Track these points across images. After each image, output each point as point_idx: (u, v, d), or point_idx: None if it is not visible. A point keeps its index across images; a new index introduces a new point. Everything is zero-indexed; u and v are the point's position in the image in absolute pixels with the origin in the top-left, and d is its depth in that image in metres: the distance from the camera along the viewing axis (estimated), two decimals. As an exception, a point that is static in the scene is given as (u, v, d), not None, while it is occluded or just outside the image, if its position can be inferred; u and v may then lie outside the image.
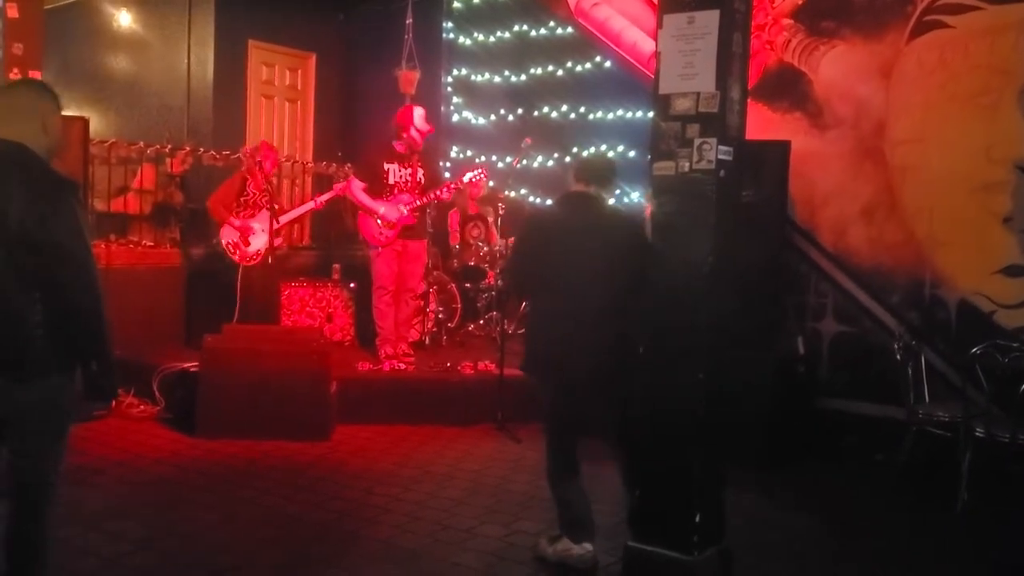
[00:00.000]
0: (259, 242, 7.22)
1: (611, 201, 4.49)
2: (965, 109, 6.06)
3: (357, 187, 7.10)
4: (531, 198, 8.99)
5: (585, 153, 8.47)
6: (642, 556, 3.83)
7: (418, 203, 7.01)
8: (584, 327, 3.92)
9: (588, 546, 4.05)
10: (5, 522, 2.96)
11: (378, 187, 7.04)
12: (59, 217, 2.83)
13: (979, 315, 5.99)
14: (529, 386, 6.57)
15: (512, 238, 8.33)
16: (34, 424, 2.92)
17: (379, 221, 6.97)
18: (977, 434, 5.13)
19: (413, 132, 6.96)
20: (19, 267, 2.80)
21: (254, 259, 7.23)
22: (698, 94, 3.70)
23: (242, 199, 7.31)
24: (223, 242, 7.27)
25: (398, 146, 7.04)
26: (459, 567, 4.09)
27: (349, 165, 9.26)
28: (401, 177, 7.04)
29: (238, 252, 7.22)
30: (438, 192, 7.06)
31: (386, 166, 7.05)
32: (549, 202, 4.55)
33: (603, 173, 4.21)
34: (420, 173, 7.07)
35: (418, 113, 7.02)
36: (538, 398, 4.24)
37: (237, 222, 7.22)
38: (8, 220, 2.77)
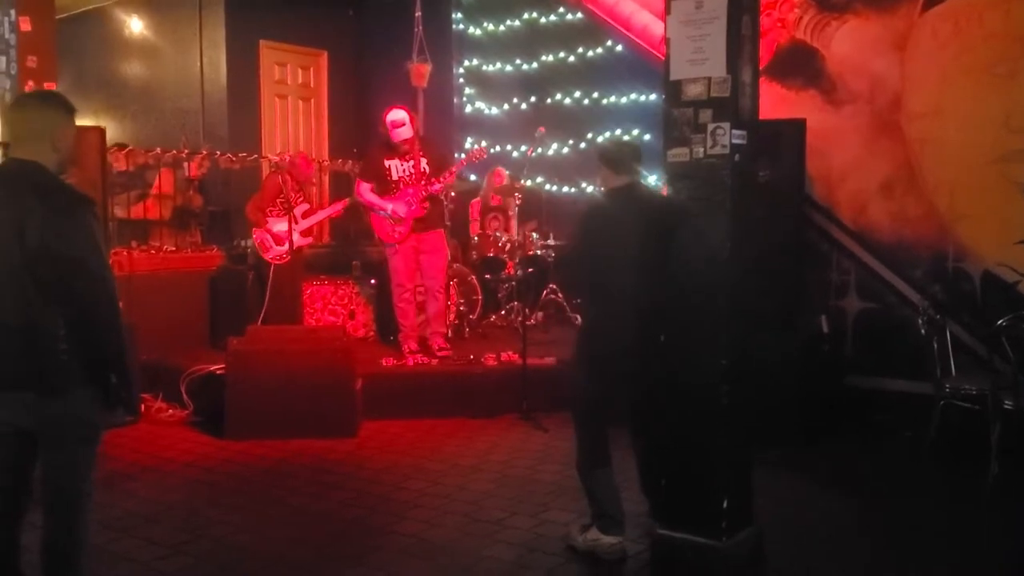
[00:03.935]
0: (293, 239, 7.35)
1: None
2: (982, 79, 5.99)
3: (364, 189, 7.11)
4: (547, 186, 8.98)
5: (600, 139, 8.46)
6: (671, 543, 3.84)
7: (424, 193, 6.95)
8: (640, 320, 3.92)
9: (617, 537, 4.06)
10: (40, 531, 3.01)
11: (383, 185, 7.02)
12: (76, 233, 2.86)
13: (1004, 286, 5.93)
14: (555, 375, 6.66)
15: (529, 228, 8.39)
16: (65, 436, 2.96)
17: (390, 219, 6.97)
18: (1006, 406, 5.09)
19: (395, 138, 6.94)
20: (40, 283, 2.84)
21: (284, 258, 7.33)
22: (709, 79, 3.68)
23: (279, 200, 7.40)
24: (255, 240, 7.41)
25: (399, 144, 6.97)
26: (489, 559, 4.11)
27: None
28: (404, 171, 7.00)
29: (270, 251, 7.35)
30: (442, 178, 6.97)
31: (387, 163, 7.03)
32: (595, 196, 4.37)
33: (637, 157, 4.14)
34: (423, 163, 7.01)
35: (390, 118, 6.92)
36: (572, 388, 4.21)
37: (272, 224, 7.35)
38: (27, 237, 2.81)
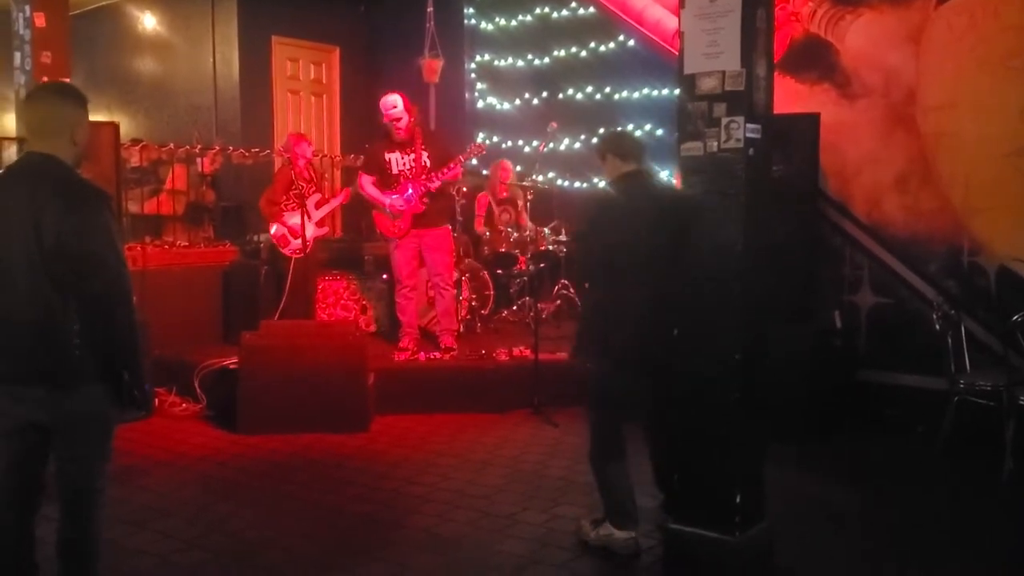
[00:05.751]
0: (308, 232, 7.32)
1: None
2: (997, 72, 5.94)
3: (366, 182, 7.03)
4: (559, 181, 8.97)
5: (612, 131, 8.43)
6: (683, 538, 3.83)
7: (423, 189, 6.84)
8: (655, 310, 3.91)
9: (631, 532, 4.06)
10: (56, 526, 3.02)
11: (385, 179, 6.94)
12: (92, 228, 2.86)
13: (1019, 281, 5.89)
14: (567, 370, 6.65)
15: (549, 224, 8.36)
16: (78, 432, 2.97)
17: (389, 214, 6.92)
18: (1020, 402, 5.06)
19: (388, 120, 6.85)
20: (55, 278, 2.84)
21: (300, 252, 7.33)
22: (723, 73, 3.67)
23: (291, 192, 7.37)
24: (274, 236, 7.40)
25: (395, 134, 6.87)
26: (501, 554, 4.12)
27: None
28: (404, 165, 6.89)
29: (289, 245, 7.33)
30: (440, 174, 6.81)
31: (387, 156, 6.92)
32: (603, 186, 4.39)
33: (643, 147, 4.18)
34: (424, 157, 6.88)
35: (382, 101, 6.85)
36: (591, 381, 4.18)
37: (288, 218, 7.33)
38: (43, 231, 2.81)
